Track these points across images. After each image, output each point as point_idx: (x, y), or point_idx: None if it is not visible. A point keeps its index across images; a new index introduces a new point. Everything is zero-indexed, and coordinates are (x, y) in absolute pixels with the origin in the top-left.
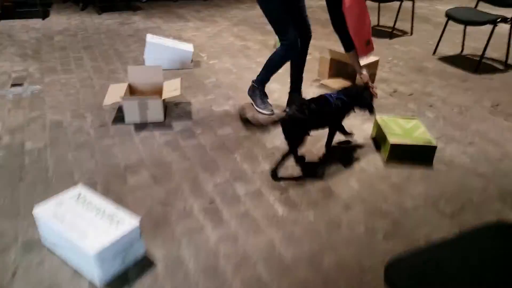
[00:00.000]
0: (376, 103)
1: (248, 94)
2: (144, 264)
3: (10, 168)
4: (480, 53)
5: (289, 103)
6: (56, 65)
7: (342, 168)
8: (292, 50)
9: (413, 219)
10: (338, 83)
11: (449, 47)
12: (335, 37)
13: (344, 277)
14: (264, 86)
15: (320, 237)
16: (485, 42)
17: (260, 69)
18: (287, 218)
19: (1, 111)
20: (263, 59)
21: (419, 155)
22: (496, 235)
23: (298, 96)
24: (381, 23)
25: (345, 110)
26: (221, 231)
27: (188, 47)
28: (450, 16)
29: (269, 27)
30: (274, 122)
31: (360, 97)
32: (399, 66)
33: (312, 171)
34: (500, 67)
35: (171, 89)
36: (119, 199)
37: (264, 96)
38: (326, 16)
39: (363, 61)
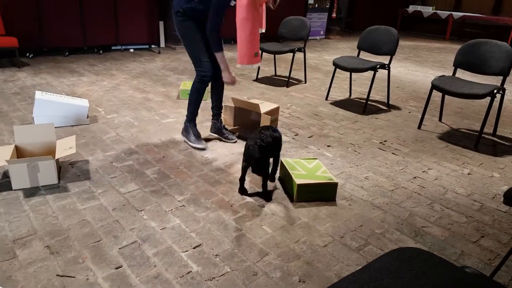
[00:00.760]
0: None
1: (182, 134)
2: None
3: None
4: (365, 96)
5: (215, 131)
6: None
7: (255, 213)
8: (206, 77)
9: (324, 257)
10: (243, 131)
11: (339, 92)
12: (237, 87)
13: None
14: (195, 122)
15: None
16: (369, 86)
17: (166, 120)
18: (202, 274)
19: None
20: (166, 111)
21: (323, 193)
22: (399, 262)
23: (220, 123)
24: (278, 73)
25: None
26: None
27: (83, 102)
28: (336, 64)
29: (171, 79)
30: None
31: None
32: (297, 112)
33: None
34: (384, 107)
35: (65, 147)
36: (8, 278)
37: (197, 133)
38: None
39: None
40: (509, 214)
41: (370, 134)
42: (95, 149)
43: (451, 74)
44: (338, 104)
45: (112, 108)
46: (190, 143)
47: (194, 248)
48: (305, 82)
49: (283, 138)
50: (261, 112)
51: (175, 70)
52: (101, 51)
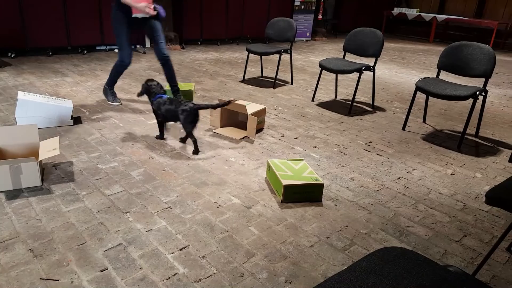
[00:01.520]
0: (268, 148)
1: (103, 92)
2: None
3: None
4: (351, 97)
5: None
6: None
7: (241, 214)
8: (124, 61)
9: (310, 257)
10: (230, 132)
11: (325, 94)
12: (223, 88)
13: None
14: (113, 87)
15: None
16: (354, 88)
17: (151, 121)
18: (189, 276)
19: None
20: (151, 112)
21: (309, 194)
22: (384, 261)
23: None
24: (264, 74)
25: None
26: None
27: (67, 103)
28: (322, 66)
29: (156, 80)
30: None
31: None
32: (284, 113)
33: None
34: (369, 108)
35: (49, 149)
36: None
37: (113, 93)
38: (214, 68)
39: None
40: (491, 214)
41: (356, 135)
42: (79, 151)
43: (435, 76)
44: (324, 105)
45: (97, 109)
46: (108, 102)
47: (180, 250)
48: (292, 84)
49: (270, 139)
50: (248, 113)
51: (160, 71)
52: (85, 51)
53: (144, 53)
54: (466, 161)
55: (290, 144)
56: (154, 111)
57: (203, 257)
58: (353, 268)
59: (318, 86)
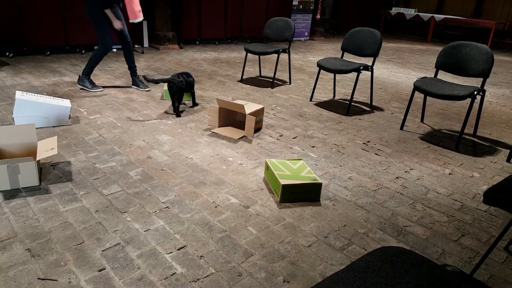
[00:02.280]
0: (266, 147)
1: (79, 83)
2: None
3: None
4: (349, 97)
5: (135, 83)
6: None
7: (239, 214)
8: (108, 48)
9: (308, 257)
10: (228, 131)
11: (323, 93)
12: (221, 88)
13: None
14: (90, 76)
15: None
16: (352, 88)
17: (149, 121)
18: (187, 276)
19: None
20: (150, 111)
21: (307, 193)
22: (382, 261)
23: (138, 78)
24: (263, 74)
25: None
26: None
27: (65, 103)
28: (321, 66)
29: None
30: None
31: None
32: (282, 113)
33: None
34: (367, 108)
35: (47, 148)
36: None
37: (91, 81)
38: (212, 68)
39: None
40: (489, 214)
41: (354, 135)
42: (77, 150)
43: (433, 75)
44: (322, 105)
45: (95, 108)
46: (89, 90)
47: (178, 249)
48: (290, 83)
49: (268, 139)
50: (246, 113)
51: (158, 70)
52: (83, 51)
53: (142, 52)
54: (464, 161)
55: (288, 143)
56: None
57: (201, 256)
58: (351, 268)
59: (316, 85)
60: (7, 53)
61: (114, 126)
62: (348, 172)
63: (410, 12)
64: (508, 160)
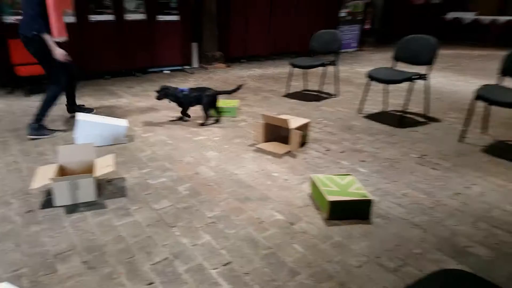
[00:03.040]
0: (312, 162)
1: (32, 135)
2: None
3: None
4: (402, 108)
5: (70, 111)
6: None
7: (285, 231)
8: (63, 89)
9: (359, 278)
10: (273, 146)
11: (373, 105)
12: (266, 103)
13: None
14: (42, 122)
15: None
16: (406, 98)
17: (197, 138)
18: None
19: None
20: (198, 129)
21: (357, 211)
22: (442, 285)
23: (77, 106)
24: (308, 88)
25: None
26: None
27: (121, 122)
28: (371, 76)
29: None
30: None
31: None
32: (329, 126)
33: None
34: (422, 119)
35: (104, 165)
36: None
37: (45, 127)
38: (257, 84)
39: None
40: None
41: (408, 148)
42: (132, 167)
43: (494, 82)
44: (373, 117)
45: (148, 127)
46: (43, 137)
47: (224, 265)
48: (337, 96)
49: (315, 154)
50: (291, 128)
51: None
52: (138, 74)
53: (192, 73)
54: None
55: (336, 158)
56: (180, 101)
57: (246, 273)
58: None
59: (366, 97)
60: None
61: (166, 143)
62: (402, 188)
63: (468, 16)
64: None
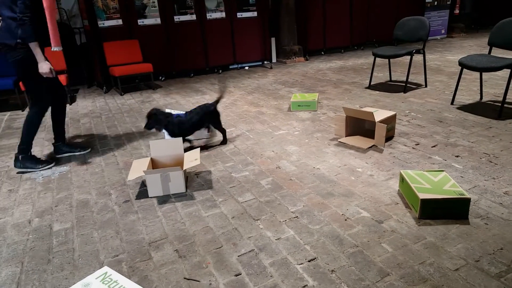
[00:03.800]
0: (400, 157)
1: (20, 167)
2: None
3: (39, 251)
4: (500, 98)
5: (56, 151)
6: None
7: (372, 229)
8: (46, 109)
9: (455, 282)
10: (357, 140)
11: (467, 96)
12: (348, 96)
13: None
14: (30, 151)
15: None
16: (505, 87)
17: (278, 132)
18: None
19: (32, 194)
20: (278, 123)
21: (452, 210)
22: None
23: (63, 144)
24: (393, 79)
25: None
26: None
27: None
28: (463, 64)
29: (282, 92)
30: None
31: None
32: (418, 119)
33: None
34: None
35: (191, 159)
36: (145, 277)
37: (34, 158)
38: (337, 76)
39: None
40: None
41: (509, 142)
42: (216, 161)
43: None
44: (467, 108)
45: (231, 122)
46: (37, 170)
47: (309, 261)
48: (426, 86)
49: (402, 148)
50: (376, 121)
51: (285, 84)
52: (220, 71)
53: (271, 68)
54: None
55: (427, 153)
56: (171, 132)
57: (332, 271)
58: None
59: (459, 87)
60: (160, 77)
61: (247, 138)
62: (504, 185)
63: None
64: None
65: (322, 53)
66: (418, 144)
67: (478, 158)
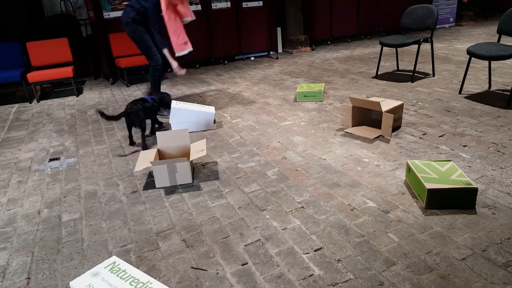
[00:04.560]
0: (406, 147)
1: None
2: None
3: (49, 241)
4: (509, 87)
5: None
6: (89, 137)
7: (378, 219)
8: (159, 65)
9: (462, 272)
10: (363, 131)
11: (476, 85)
12: (354, 86)
13: None
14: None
15: None
16: None
17: (284, 123)
18: (324, 279)
19: (41, 185)
20: (284, 114)
21: (459, 200)
22: None
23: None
24: (400, 68)
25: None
26: None
27: (211, 109)
28: (472, 53)
29: (288, 83)
30: (122, 114)
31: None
32: (425, 108)
33: None
34: None
35: (198, 150)
36: (153, 267)
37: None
38: (344, 66)
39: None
40: None
41: None
42: (223, 152)
43: None
44: (475, 97)
45: (236, 113)
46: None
47: (315, 251)
48: (433, 75)
49: (409, 138)
50: (382, 110)
51: (291, 74)
52: (226, 62)
53: (277, 58)
54: None
55: (434, 143)
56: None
57: (338, 260)
58: None
59: (467, 76)
60: (168, 69)
61: (253, 128)
62: (511, 175)
63: None
64: None
65: (329, 42)
66: (425, 134)
67: (486, 147)
